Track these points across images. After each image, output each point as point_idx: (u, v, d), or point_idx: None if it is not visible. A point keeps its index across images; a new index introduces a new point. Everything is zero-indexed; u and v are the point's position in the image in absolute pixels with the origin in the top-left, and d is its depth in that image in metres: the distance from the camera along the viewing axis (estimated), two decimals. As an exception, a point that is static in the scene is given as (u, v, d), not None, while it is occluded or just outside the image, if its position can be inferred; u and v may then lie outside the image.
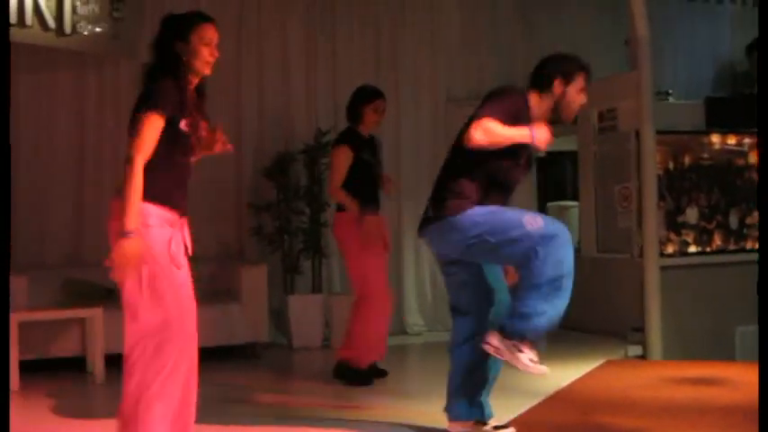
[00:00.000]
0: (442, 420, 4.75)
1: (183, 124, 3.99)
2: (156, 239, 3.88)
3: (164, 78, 4.01)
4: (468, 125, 4.39)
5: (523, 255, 4.33)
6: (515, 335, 4.32)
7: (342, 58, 8.91)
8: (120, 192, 3.84)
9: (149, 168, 3.88)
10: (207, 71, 4.12)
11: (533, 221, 4.38)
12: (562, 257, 4.36)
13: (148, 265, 3.85)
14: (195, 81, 4.13)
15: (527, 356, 4.32)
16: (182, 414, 3.95)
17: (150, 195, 3.88)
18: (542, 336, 4.41)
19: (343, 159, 6.31)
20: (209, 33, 4.12)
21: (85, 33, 7.42)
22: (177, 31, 4.10)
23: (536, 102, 4.60)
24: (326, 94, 8.84)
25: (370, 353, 6.37)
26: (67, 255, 7.95)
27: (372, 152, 6.49)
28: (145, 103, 3.94)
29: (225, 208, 8.34)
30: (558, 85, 4.58)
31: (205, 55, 4.09)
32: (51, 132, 8.01)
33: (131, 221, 3.77)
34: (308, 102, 8.80)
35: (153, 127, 3.90)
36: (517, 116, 4.44)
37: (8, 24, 4.67)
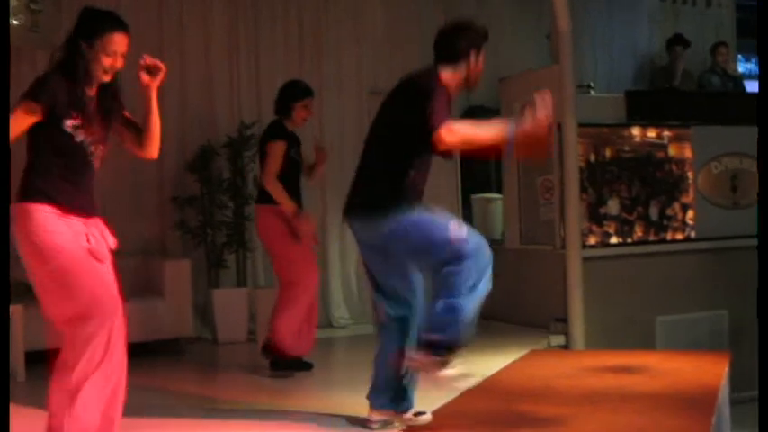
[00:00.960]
0: (365, 410, 4.78)
1: (67, 124, 3.90)
2: (63, 236, 3.84)
3: (55, 74, 3.94)
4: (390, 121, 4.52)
5: (443, 262, 4.34)
6: (439, 348, 4.34)
7: (265, 49, 8.85)
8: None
9: (38, 168, 3.86)
10: (105, 79, 4.03)
11: (458, 230, 4.41)
12: (482, 271, 4.41)
13: (58, 261, 3.80)
14: (94, 85, 4.03)
15: (450, 369, 4.40)
16: (110, 407, 3.91)
17: (46, 196, 3.83)
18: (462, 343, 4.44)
19: (279, 153, 6.29)
20: (116, 45, 4.01)
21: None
22: (85, 31, 4.02)
23: (449, 76, 4.59)
24: (249, 86, 8.77)
25: (294, 343, 6.35)
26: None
27: (297, 149, 6.50)
28: (25, 92, 3.86)
29: (147, 202, 8.23)
30: (473, 57, 4.62)
31: (105, 64, 4.00)
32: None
33: None
34: (231, 94, 8.72)
35: (21, 112, 3.81)
36: (449, 105, 4.48)
37: (8, 24, 4.57)
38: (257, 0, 8.86)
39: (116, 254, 4.07)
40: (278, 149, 6.30)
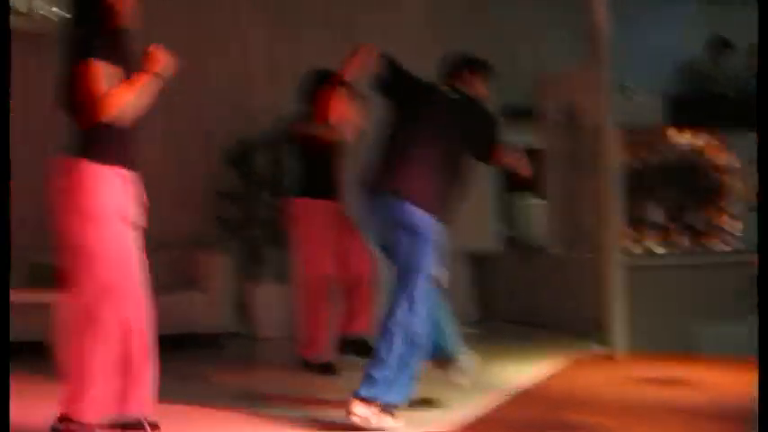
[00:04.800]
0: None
1: (118, 73, 4.02)
2: (106, 203, 3.97)
3: (92, 26, 4.04)
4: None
5: (406, 289, 4.58)
6: (384, 403, 4.52)
7: (303, 45, 8.82)
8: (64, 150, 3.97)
9: (91, 128, 3.93)
10: (128, 22, 4.15)
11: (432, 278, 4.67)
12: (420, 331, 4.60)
13: (98, 227, 3.94)
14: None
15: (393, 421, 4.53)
16: (130, 374, 4.08)
17: (97, 156, 3.95)
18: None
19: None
20: None
21: (42, 13, 7.37)
22: None
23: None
24: (288, 81, 8.80)
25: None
26: (31, 238, 7.89)
27: None
28: (79, 53, 3.95)
29: (189, 195, 8.29)
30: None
31: (127, 4, 4.14)
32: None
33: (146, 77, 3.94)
34: (270, 89, 8.72)
35: (97, 73, 3.92)
36: None
37: (8, 25, 4.66)
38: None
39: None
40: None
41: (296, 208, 6.44)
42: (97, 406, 4.06)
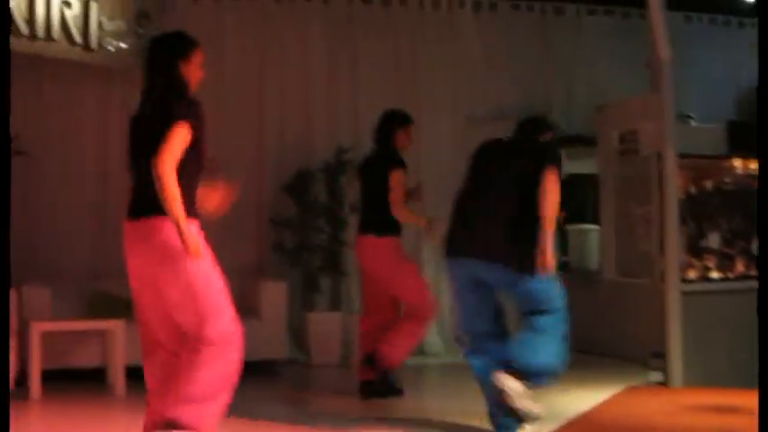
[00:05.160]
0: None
1: (195, 137, 4.12)
2: (203, 251, 4.10)
3: (177, 94, 4.20)
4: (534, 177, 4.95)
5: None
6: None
7: (362, 75, 8.94)
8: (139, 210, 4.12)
9: (184, 183, 4.05)
10: (194, 90, 4.35)
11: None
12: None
13: (199, 265, 4.09)
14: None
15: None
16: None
17: (188, 211, 4.06)
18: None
19: (404, 181, 6.41)
20: (203, 57, 4.38)
21: (111, 49, 7.52)
22: (180, 51, 4.32)
23: None
24: (347, 112, 8.87)
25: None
26: (91, 266, 7.99)
27: None
28: (173, 117, 4.06)
29: (246, 223, 8.35)
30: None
31: (198, 75, 4.35)
32: (77, 145, 8.08)
33: (183, 225, 4.01)
34: (329, 119, 8.82)
35: (182, 136, 4.05)
36: None
37: (8, 25, 4.78)
38: (355, 27, 8.97)
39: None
40: (402, 178, 6.40)
41: (387, 247, 6.47)
42: (215, 422, 4.19)
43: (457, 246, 5.18)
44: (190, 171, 4.13)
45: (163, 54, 4.32)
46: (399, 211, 6.36)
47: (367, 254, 6.51)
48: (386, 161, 6.49)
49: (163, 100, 4.19)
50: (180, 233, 3.98)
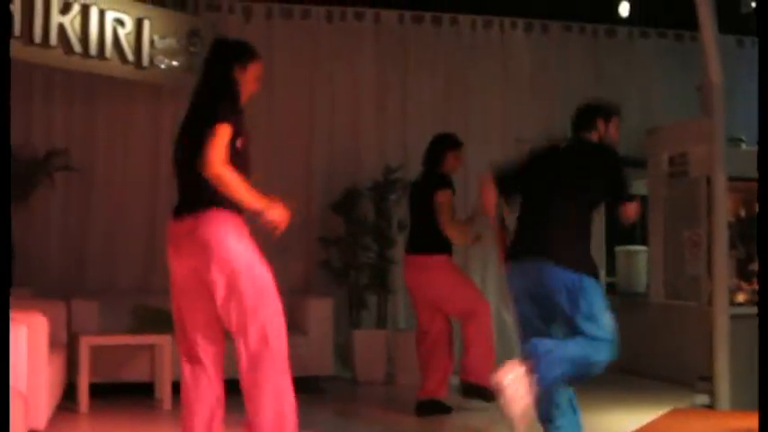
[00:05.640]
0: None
1: (238, 142, 4.17)
2: (246, 243, 4.20)
3: (225, 98, 4.24)
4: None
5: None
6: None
7: (411, 95, 8.99)
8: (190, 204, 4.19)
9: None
10: (245, 102, 4.40)
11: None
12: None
13: (253, 269, 4.18)
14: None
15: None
16: None
17: (228, 204, 4.11)
18: None
19: (450, 201, 6.49)
20: (261, 70, 4.46)
21: (162, 67, 7.63)
22: (238, 58, 4.37)
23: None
24: (396, 131, 8.91)
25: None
26: (138, 281, 8.09)
27: None
28: (216, 117, 4.10)
29: (294, 241, 8.35)
30: (601, 125, 5.24)
31: (252, 87, 4.41)
32: (126, 161, 8.20)
33: (259, 203, 4.09)
34: (378, 139, 8.88)
35: (225, 137, 4.08)
36: None
37: (9, 27, 4.88)
38: (406, 47, 9.03)
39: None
40: (450, 198, 6.48)
41: (440, 266, 6.56)
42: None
43: (515, 250, 5.17)
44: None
45: (220, 56, 4.39)
46: (448, 229, 6.42)
47: (415, 273, 6.59)
48: (434, 182, 6.56)
49: (209, 102, 4.25)
50: (251, 204, 4.08)
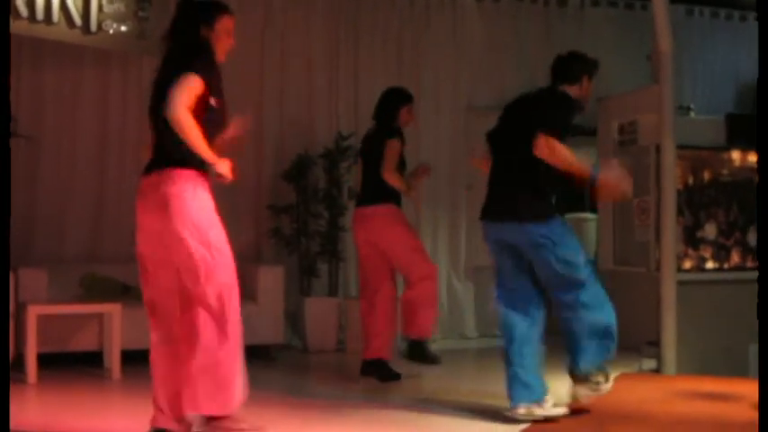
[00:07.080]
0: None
1: (212, 101, 4.16)
2: (207, 204, 4.20)
3: (197, 54, 4.20)
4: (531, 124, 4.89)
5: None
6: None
7: (363, 63, 8.94)
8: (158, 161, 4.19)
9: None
10: (222, 58, 4.36)
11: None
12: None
13: (209, 228, 4.16)
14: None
15: None
16: None
17: (194, 163, 4.09)
18: None
19: (398, 151, 6.46)
20: (231, 24, 4.39)
21: (111, 32, 7.50)
22: (203, 16, 4.32)
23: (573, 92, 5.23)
24: (348, 98, 8.86)
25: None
26: (87, 250, 8.00)
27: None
28: (186, 68, 4.08)
29: (244, 209, 8.34)
30: (585, 81, 5.25)
31: (226, 43, 4.36)
32: (74, 128, 8.07)
33: (210, 155, 4.07)
34: (329, 105, 8.83)
35: (193, 86, 4.05)
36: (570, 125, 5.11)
37: (8, 25, 4.76)
38: (358, 14, 8.96)
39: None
40: (398, 147, 6.44)
41: (389, 214, 6.53)
42: (238, 398, 4.25)
43: (485, 210, 5.27)
44: (206, 132, 4.12)
45: (185, 17, 4.35)
46: (389, 177, 6.40)
47: (364, 224, 6.56)
48: (384, 133, 6.54)
49: (179, 59, 4.20)
50: (201, 152, 4.05)
